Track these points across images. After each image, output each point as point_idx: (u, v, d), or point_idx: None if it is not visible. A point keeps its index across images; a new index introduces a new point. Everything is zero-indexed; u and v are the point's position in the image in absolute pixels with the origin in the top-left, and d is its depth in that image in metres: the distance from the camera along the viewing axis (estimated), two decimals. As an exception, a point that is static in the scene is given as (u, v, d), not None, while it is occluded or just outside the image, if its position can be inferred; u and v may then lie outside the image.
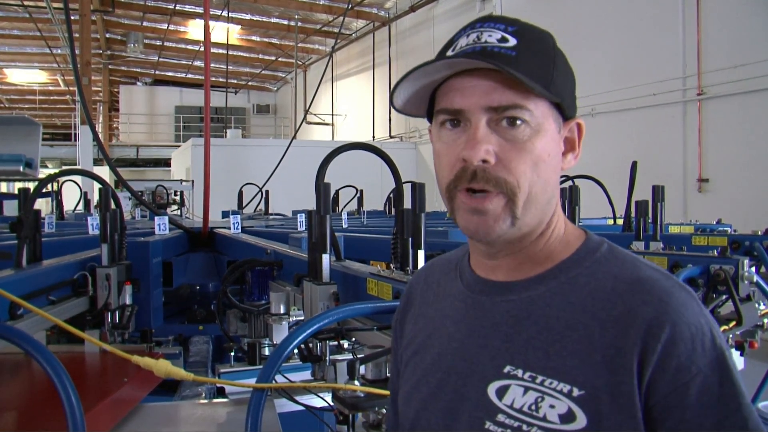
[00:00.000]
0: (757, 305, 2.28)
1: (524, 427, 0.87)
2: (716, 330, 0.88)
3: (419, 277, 1.18)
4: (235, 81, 25.52)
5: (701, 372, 0.84)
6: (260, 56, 23.25)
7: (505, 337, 0.94)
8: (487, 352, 0.95)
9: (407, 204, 2.21)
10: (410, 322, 1.13)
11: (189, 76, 25.60)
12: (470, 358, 0.96)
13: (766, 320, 2.36)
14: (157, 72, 25.68)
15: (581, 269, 0.95)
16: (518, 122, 0.90)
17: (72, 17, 4.64)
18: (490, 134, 0.90)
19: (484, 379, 0.93)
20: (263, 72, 24.87)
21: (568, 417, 0.86)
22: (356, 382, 1.48)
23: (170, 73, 26.11)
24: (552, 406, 0.86)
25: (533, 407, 0.88)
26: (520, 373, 0.90)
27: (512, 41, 0.91)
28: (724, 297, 2.22)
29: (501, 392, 0.91)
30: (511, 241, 0.95)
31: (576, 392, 0.86)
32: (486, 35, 0.92)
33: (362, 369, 1.52)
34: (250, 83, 26.58)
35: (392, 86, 0.96)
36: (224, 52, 15.95)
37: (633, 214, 3.47)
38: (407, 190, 2.32)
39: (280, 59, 22.73)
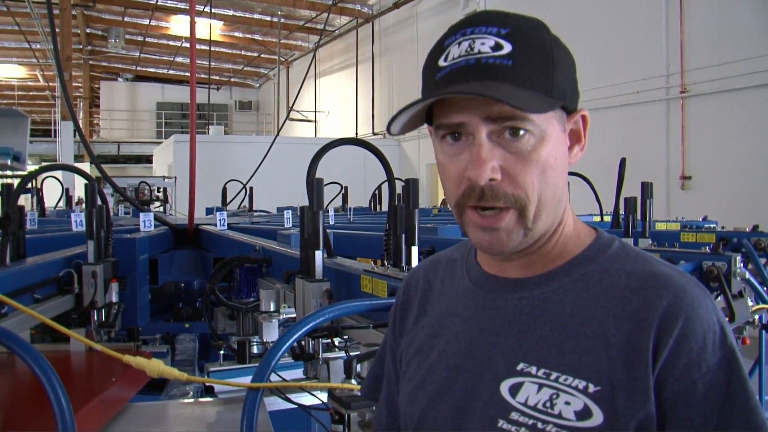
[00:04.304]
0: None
1: (539, 424, 0.85)
2: (728, 328, 0.87)
3: (417, 273, 1.15)
4: (218, 77, 25.42)
5: (711, 370, 0.83)
6: (243, 52, 23.18)
7: (518, 334, 0.92)
8: (498, 350, 0.93)
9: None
10: (410, 320, 1.10)
11: (171, 72, 25.44)
12: (481, 356, 0.94)
13: (756, 317, 2.37)
14: (138, 68, 25.47)
15: (594, 265, 0.94)
16: (521, 132, 0.87)
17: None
18: (494, 148, 0.87)
19: (496, 377, 0.91)
20: (246, 68, 24.77)
21: (584, 414, 0.84)
22: (353, 381, 1.46)
23: (152, 69, 25.92)
24: (567, 403, 0.85)
25: (548, 404, 0.86)
26: (534, 370, 0.89)
27: (507, 47, 0.87)
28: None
29: (514, 390, 0.89)
30: (523, 248, 0.94)
31: (592, 388, 0.85)
32: (479, 43, 0.88)
33: (358, 367, 1.50)
34: (232, 79, 26.47)
35: (388, 120, 0.92)
36: (206, 48, 15.92)
37: (621, 211, 3.48)
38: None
39: (262, 55, 22.65)
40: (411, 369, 1.05)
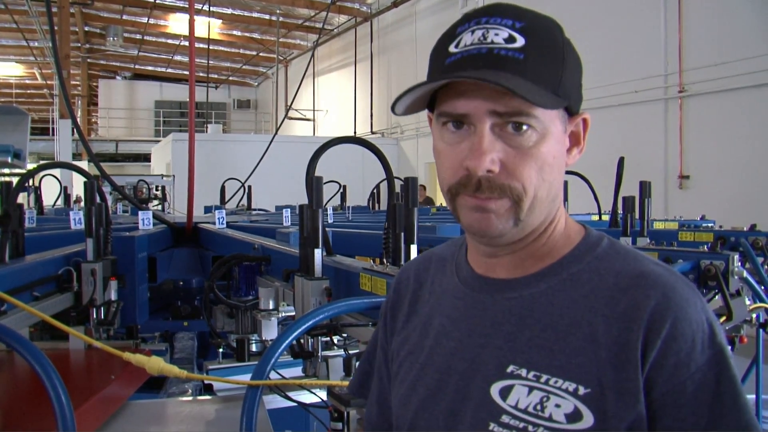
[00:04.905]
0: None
1: (530, 427, 0.85)
2: (717, 327, 0.87)
3: (408, 271, 1.14)
4: (216, 76, 25.38)
5: (700, 369, 0.83)
6: (241, 51, 23.17)
7: (508, 336, 0.92)
8: (488, 352, 0.93)
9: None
10: (401, 320, 1.09)
11: (169, 70, 25.42)
12: (471, 357, 0.94)
13: (753, 315, 2.38)
14: (136, 66, 25.45)
15: (582, 265, 0.93)
16: (524, 127, 0.87)
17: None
18: (495, 141, 0.87)
19: (486, 380, 0.92)
20: (244, 67, 24.75)
21: (574, 416, 0.84)
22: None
23: (150, 68, 25.89)
24: (558, 406, 0.85)
25: (538, 407, 0.86)
26: (524, 372, 0.89)
27: (520, 41, 0.87)
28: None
29: (505, 392, 0.89)
30: (513, 240, 0.94)
31: (582, 390, 0.85)
32: (492, 33, 0.87)
33: (357, 365, 1.50)
34: (230, 78, 26.42)
35: (393, 100, 0.93)
36: (205, 46, 15.88)
37: (620, 210, 3.48)
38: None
39: (261, 54, 22.62)
40: (403, 370, 1.04)
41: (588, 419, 0.83)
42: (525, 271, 0.95)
